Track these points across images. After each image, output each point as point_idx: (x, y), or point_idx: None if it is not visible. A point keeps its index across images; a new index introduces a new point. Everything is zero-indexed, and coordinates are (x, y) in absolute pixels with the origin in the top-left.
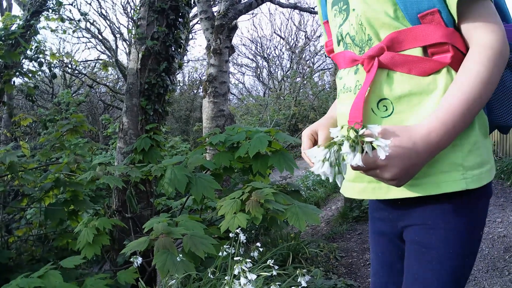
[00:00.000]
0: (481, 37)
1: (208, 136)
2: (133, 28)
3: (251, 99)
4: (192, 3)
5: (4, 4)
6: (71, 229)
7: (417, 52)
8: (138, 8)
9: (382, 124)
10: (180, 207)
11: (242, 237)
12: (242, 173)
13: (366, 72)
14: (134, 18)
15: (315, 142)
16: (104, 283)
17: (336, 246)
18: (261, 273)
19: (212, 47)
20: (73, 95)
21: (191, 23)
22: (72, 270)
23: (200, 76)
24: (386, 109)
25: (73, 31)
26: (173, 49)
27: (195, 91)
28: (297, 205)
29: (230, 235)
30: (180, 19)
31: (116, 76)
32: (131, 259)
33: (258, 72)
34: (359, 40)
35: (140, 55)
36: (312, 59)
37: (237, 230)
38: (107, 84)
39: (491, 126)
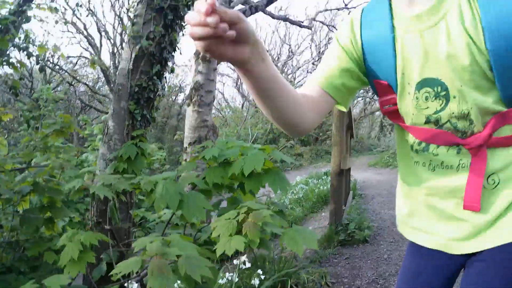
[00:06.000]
0: None
1: (199, 149)
2: (128, 25)
3: (229, 110)
4: (191, 5)
5: None
6: (46, 237)
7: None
8: (135, 4)
9: (491, 197)
10: (159, 221)
11: (248, 264)
12: (229, 191)
13: (471, 155)
14: (130, 15)
15: None
16: None
17: (326, 271)
18: None
19: (201, 54)
20: (52, 91)
21: None
22: None
23: (180, 82)
24: (494, 182)
25: (65, 23)
26: (167, 52)
27: (174, 98)
28: (294, 229)
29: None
30: (177, 21)
31: (97, 76)
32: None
33: (239, 83)
34: (462, 126)
35: (133, 55)
36: (294, 74)
37: (244, 258)
38: (87, 83)
39: None
